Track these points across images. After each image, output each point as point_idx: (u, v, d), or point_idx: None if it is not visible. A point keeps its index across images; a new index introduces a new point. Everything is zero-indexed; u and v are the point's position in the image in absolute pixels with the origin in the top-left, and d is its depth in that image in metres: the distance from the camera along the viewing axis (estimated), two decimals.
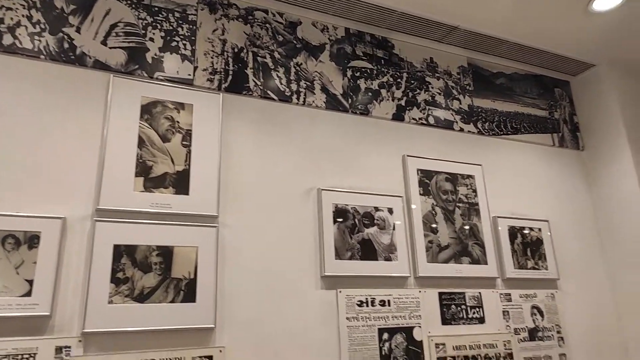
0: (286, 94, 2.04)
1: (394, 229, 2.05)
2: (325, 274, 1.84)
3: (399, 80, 2.34)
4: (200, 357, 1.51)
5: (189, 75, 1.88)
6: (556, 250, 2.41)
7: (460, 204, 2.25)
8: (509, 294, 2.20)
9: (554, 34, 2.47)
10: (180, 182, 1.71)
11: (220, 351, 1.55)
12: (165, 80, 1.83)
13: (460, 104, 2.47)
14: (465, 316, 2.07)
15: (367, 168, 2.12)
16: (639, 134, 2.60)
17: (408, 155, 2.22)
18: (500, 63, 2.68)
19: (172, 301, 1.55)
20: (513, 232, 2.32)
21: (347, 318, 1.83)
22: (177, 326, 1.53)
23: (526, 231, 2.36)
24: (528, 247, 2.33)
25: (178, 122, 1.79)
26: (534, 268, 2.30)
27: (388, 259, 1.99)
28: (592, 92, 2.77)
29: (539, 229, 2.39)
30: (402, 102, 2.31)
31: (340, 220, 1.95)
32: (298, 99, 2.06)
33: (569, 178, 2.65)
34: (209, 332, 1.59)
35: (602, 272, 2.52)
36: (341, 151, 2.09)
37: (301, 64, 2.12)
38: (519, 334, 2.15)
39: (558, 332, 2.25)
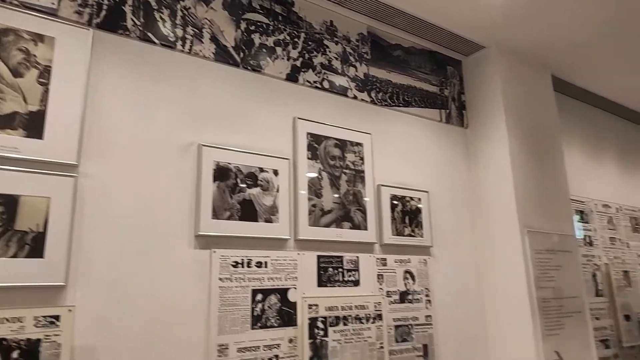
0: (170, 39, 1.88)
1: (277, 191, 2.02)
2: (200, 233, 1.77)
3: (296, 40, 2.27)
4: (44, 316, 1.38)
5: (53, 4, 1.65)
6: (432, 220, 2.55)
7: (347, 171, 2.28)
8: (385, 259, 2.30)
9: (451, 11, 2.54)
10: (33, 124, 1.51)
11: (70, 310, 1.42)
12: (22, 6, 1.58)
13: (357, 71, 2.47)
14: (341, 279, 2.12)
15: (255, 127, 2.05)
16: (516, 117, 2.80)
17: (299, 118, 2.18)
18: (399, 35, 2.71)
19: (14, 256, 1.39)
20: (395, 201, 2.41)
21: (220, 279, 1.78)
22: (18, 283, 1.37)
23: (407, 200, 2.46)
24: (407, 215, 2.44)
25: (35, 55, 1.56)
26: (410, 235, 2.42)
27: (269, 220, 1.96)
28: (479, 73, 2.92)
29: (419, 199, 2.51)
30: (298, 63, 2.25)
31: (221, 178, 1.87)
32: (183, 46, 1.91)
33: (452, 153, 2.81)
34: (58, 290, 1.45)
35: (470, 242, 2.73)
36: (228, 107, 2.00)
37: (189, 8, 1.96)
38: (391, 297, 2.26)
39: (427, 295, 2.41)
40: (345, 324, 2.03)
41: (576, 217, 3.30)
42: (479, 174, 2.81)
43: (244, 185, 1.93)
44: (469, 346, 2.53)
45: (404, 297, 2.31)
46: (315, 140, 2.21)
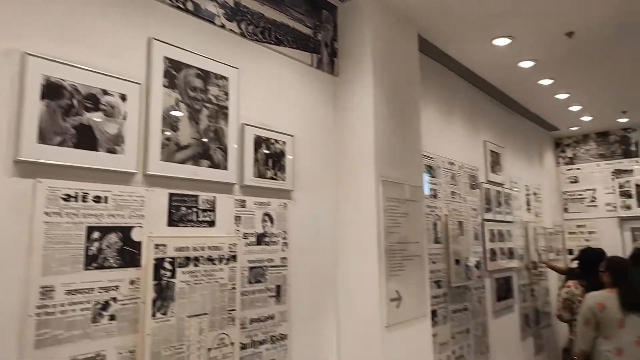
0: None
1: (124, 118, 1.78)
2: (21, 158, 1.48)
3: None
4: None
5: None
6: (295, 164, 2.54)
7: (209, 105, 2.11)
8: (244, 201, 2.23)
9: None
10: None
11: None
12: None
13: None
14: (195, 219, 2.00)
15: (99, 42, 1.76)
16: (382, 71, 2.87)
17: (155, 39, 1.93)
18: None
19: None
20: (259, 142, 2.33)
21: (47, 213, 1.54)
22: None
23: (272, 143, 2.39)
24: (270, 158, 2.38)
25: None
26: (272, 178, 2.37)
27: (112, 151, 1.73)
28: (352, 21, 2.91)
29: (284, 142, 2.46)
30: None
31: (52, 97, 1.58)
32: None
33: (320, 100, 2.79)
34: None
35: (330, 188, 2.79)
36: (65, 13, 1.67)
37: None
38: (247, 239, 2.22)
39: (284, 238, 2.41)
40: (196, 265, 1.93)
41: (425, 172, 3.59)
42: (343, 123, 2.85)
43: (82, 108, 1.66)
44: (321, 286, 2.63)
45: (261, 239, 2.29)
46: (174, 67, 1.99)
